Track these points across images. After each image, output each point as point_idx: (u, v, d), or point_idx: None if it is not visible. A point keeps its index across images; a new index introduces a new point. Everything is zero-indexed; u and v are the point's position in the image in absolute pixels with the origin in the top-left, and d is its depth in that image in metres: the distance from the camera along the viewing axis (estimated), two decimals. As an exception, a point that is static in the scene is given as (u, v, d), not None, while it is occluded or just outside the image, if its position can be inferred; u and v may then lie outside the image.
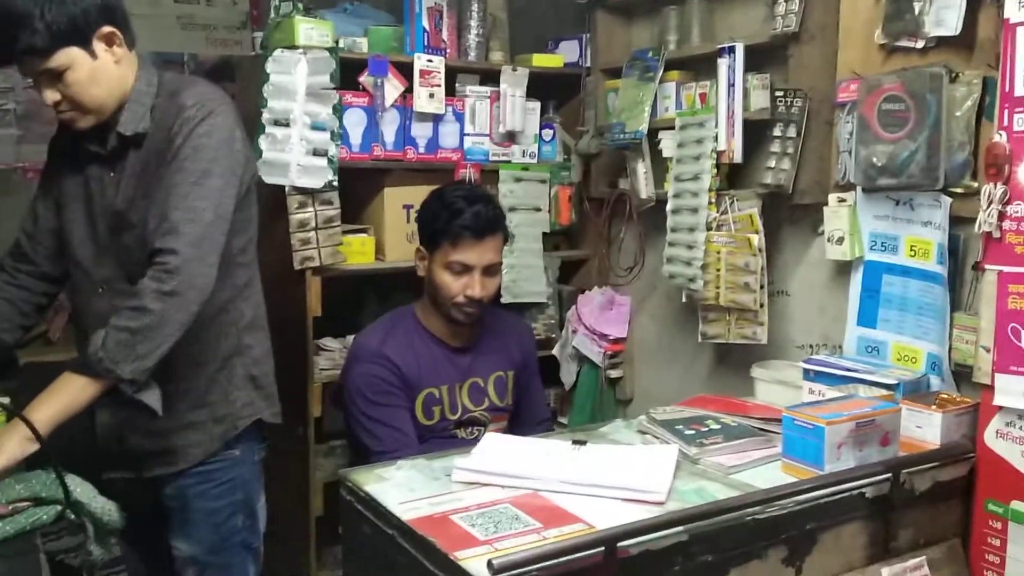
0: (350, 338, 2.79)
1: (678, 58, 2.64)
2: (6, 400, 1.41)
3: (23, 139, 3.84)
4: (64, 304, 3.74)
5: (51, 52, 1.57)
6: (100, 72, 1.63)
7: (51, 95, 1.62)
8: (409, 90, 2.65)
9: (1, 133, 3.84)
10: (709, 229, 2.45)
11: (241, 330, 1.86)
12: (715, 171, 2.43)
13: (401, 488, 1.61)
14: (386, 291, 2.90)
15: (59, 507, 1.43)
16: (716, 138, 2.40)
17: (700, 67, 2.60)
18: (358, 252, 2.66)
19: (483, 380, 2.33)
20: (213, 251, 1.65)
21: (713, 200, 2.44)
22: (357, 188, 2.70)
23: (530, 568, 1.27)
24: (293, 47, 2.36)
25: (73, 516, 1.44)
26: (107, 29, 1.63)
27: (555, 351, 3.06)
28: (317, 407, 2.57)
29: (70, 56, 1.59)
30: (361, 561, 1.66)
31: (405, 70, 2.64)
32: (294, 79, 2.36)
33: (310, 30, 2.36)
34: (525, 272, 2.92)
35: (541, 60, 2.96)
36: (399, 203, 2.71)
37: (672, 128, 2.57)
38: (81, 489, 1.46)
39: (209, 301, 1.66)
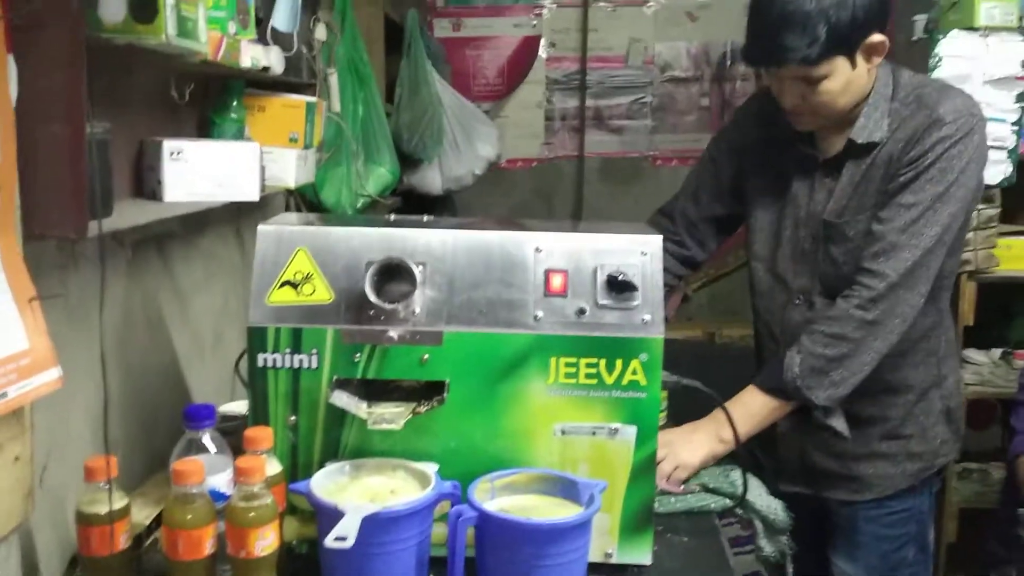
0: (997, 351, 2.50)
1: None
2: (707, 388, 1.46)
3: (656, 130, 4.21)
4: (680, 287, 4.04)
5: (819, 61, 1.44)
6: (853, 82, 1.50)
7: (792, 100, 1.53)
8: (1108, 68, 2.25)
9: (637, 124, 4.26)
10: None
11: (940, 359, 1.69)
12: None
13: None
14: (1048, 304, 2.54)
15: (727, 500, 1.47)
16: None
17: None
18: (1019, 256, 2.35)
19: None
20: (924, 280, 1.51)
21: None
22: (1021, 183, 2.38)
23: None
24: (971, 28, 2.14)
25: (741, 512, 1.47)
26: (877, 39, 1.47)
27: None
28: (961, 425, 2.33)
29: (833, 66, 1.46)
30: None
31: (1105, 45, 2.24)
32: (971, 64, 2.14)
33: (992, 9, 2.12)
34: None
35: None
36: (1078, 203, 2.33)
37: None
38: (750, 484, 1.48)
39: (912, 327, 1.55)
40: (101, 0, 0.99)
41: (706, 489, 1.51)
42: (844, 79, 1.48)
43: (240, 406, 1.53)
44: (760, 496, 1.50)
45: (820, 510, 1.77)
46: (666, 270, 1.77)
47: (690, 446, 1.51)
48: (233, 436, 1.43)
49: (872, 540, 1.74)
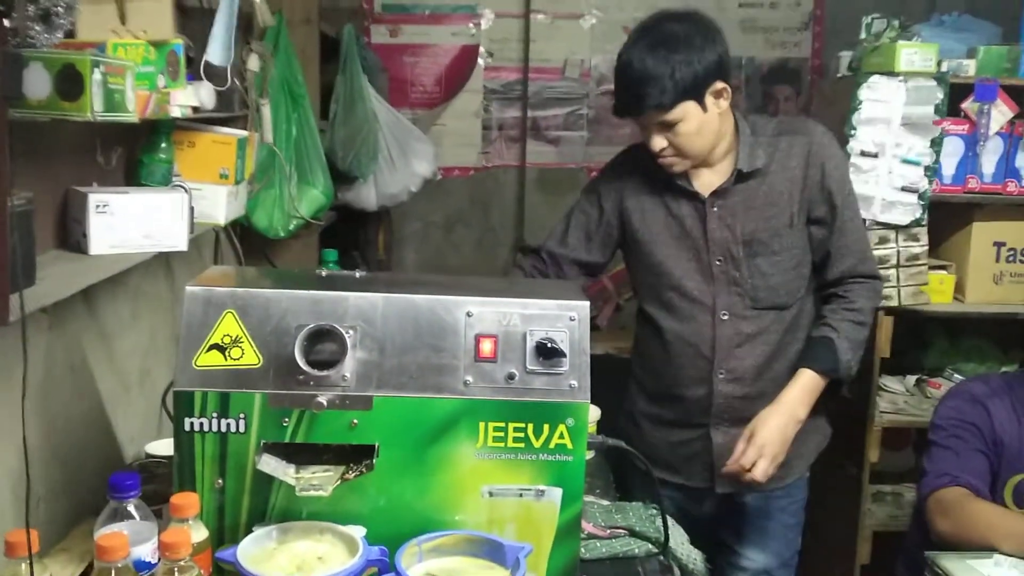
0: (911, 378, 2.60)
1: None
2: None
3: (591, 141, 4.25)
4: (612, 295, 4.10)
5: (672, 106, 1.71)
6: (706, 124, 1.75)
7: (659, 142, 1.76)
8: (1019, 116, 2.34)
9: (573, 135, 4.30)
10: None
11: None
12: None
13: (1006, 597, 1.43)
14: (958, 334, 2.64)
15: (651, 546, 1.51)
16: None
17: None
18: (934, 291, 2.45)
19: None
20: None
21: None
22: (938, 221, 2.48)
23: None
24: (892, 73, 2.21)
25: (662, 558, 1.51)
26: (719, 85, 1.74)
27: None
28: (874, 451, 2.44)
29: (685, 109, 1.72)
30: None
31: (1016, 94, 2.34)
32: (890, 108, 2.22)
33: (912, 55, 2.20)
34: None
35: None
36: (989, 240, 2.43)
37: None
38: (673, 532, 1.52)
39: (809, 314, 1.88)
40: (25, 78, 0.97)
41: (632, 532, 1.55)
42: (697, 121, 1.73)
43: (167, 446, 1.52)
44: (682, 544, 1.55)
45: (732, 510, 1.97)
46: None
47: (784, 442, 1.77)
48: (160, 480, 1.43)
49: (781, 529, 1.96)
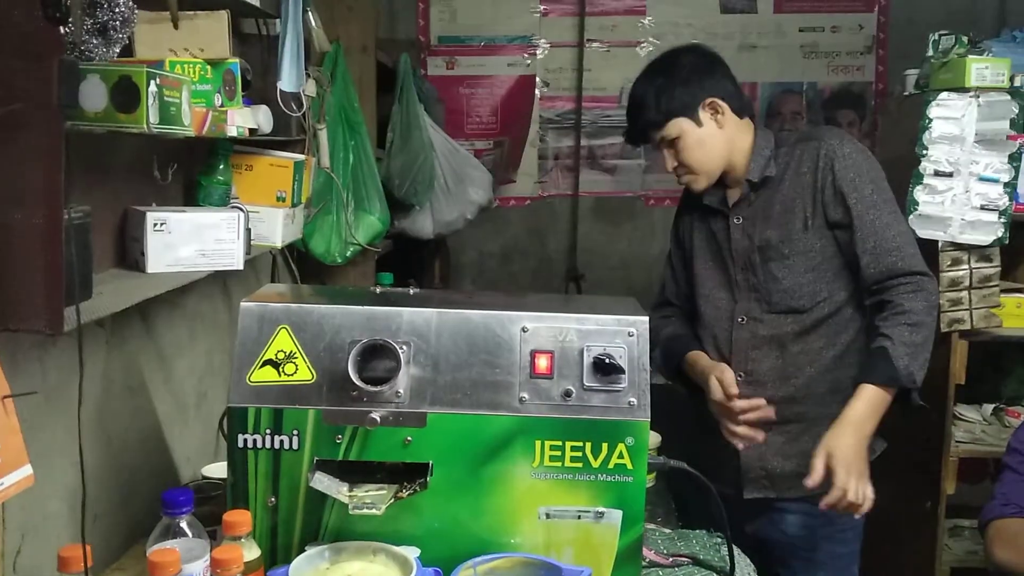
0: (988, 407, 2.49)
1: None
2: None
3: (649, 169, 4.21)
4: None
5: (663, 124, 1.82)
6: (707, 138, 1.82)
7: (670, 161, 1.87)
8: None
9: (630, 164, 4.27)
10: None
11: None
12: None
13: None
14: (1040, 359, 2.52)
15: (716, 575, 1.45)
16: None
17: None
18: (1012, 314, 2.34)
19: None
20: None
21: None
22: (1015, 241, 2.37)
23: None
24: (962, 89, 2.14)
25: (727, 587, 1.45)
26: (709, 99, 1.82)
27: None
28: (951, 483, 2.32)
29: (679, 126, 1.81)
30: None
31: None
32: (962, 124, 2.14)
33: (983, 70, 2.12)
34: None
35: None
36: (1069, 261, 2.32)
37: None
38: (739, 562, 1.46)
39: (848, 328, 1.82)
40: (82, 91, 0.97)
41: (695, 561, 1.50)
42: (695, 136, 1.82)
43: (223, 468, 1.51)
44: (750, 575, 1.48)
45: (778, 543, 1.90)
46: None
47: (862, 458, 1.68)
48: (215, 502, 1.42)
49: (829, 558, 1.88)
